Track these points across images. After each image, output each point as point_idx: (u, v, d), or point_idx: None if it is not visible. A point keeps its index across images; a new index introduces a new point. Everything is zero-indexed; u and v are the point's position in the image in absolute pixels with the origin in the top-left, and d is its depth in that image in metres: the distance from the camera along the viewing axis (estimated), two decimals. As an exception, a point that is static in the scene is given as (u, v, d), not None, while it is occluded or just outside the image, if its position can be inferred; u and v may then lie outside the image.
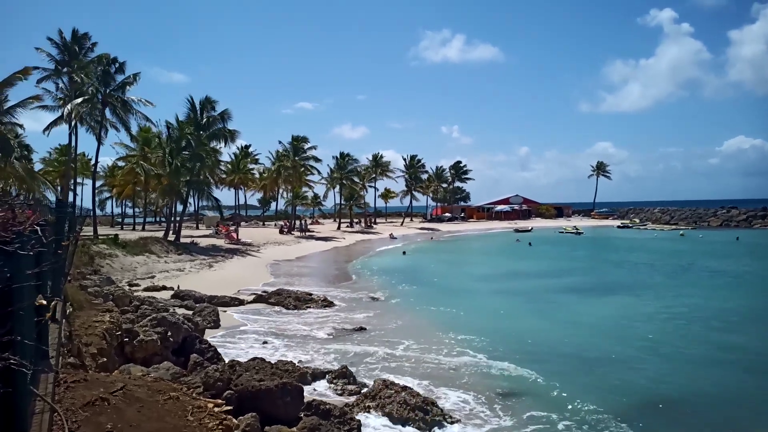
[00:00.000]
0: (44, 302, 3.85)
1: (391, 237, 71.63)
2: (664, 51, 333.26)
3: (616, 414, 11.15)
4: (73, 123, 39.60)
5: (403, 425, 10.06)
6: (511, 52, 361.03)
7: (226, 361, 11.88)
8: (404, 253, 48.96)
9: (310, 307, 22.51)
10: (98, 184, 61.99)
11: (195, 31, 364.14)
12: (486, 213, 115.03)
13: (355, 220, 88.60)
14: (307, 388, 11.46)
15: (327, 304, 23.18)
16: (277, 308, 22.37)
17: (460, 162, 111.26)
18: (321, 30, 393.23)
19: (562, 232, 75.76)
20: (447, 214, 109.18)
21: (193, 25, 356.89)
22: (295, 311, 21.91)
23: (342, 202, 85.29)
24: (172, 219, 51.11)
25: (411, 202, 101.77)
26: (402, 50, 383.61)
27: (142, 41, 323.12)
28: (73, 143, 42.49)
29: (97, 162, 48.68)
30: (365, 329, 18.57)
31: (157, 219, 79.35)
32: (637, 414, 11.23)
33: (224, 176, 65.02)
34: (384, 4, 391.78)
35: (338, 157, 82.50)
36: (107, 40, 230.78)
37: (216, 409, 6.36)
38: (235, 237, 51.72)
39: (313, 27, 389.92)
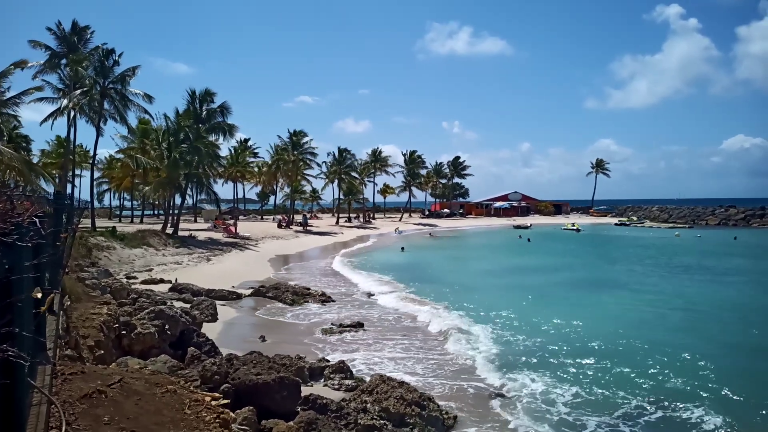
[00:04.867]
0: (38, 296, 3.83)
1: (397, 231, 71.67)
2: (671, 47, 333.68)
3: (620, 410, 11.23)
4: (71, 115, 39.47)
5: (400, 420, 10.08)
6: (518, 45, 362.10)
7: (224, 355, 11.88)
8: (402, 249, 48.73)
9: (308, 302, 22.53)
10: (96, 175, 61.89)
11: (199, 22, 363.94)
12: (484, 209, 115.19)
13: (353, 215, 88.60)
14: (303, 383, 11.48)
15: (325, 299, 23.20)
16: (274, 302, 22.38)
17: (459, 158, 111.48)
18: (324, 24, 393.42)
19: (566, 229, 75.73)
20: (445, 210, 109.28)
21: (198, 16, 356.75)
22: (293, 306, 21.93)
23: (341, 197, 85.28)
24: (171, 212, 51.04)
25: (410, 197, 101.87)
26: (408, 43, 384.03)
27: (147, 32, 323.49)
28: (71, 135, 42.37)
29: (95, 154, 48.63)
30: (363, 324, 18.59)
31: (156, 212, 79.26)
32: (638, 409, 11.28)
33: (222, 169, 64.90)
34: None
35: (337, 151, 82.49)
36: (111, 30, 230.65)
37: (213, 403, 6.36)
38: (234, 231, 51.71)
39: (316, 20, 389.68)
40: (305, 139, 71.62)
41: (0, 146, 23.84)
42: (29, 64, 36.93)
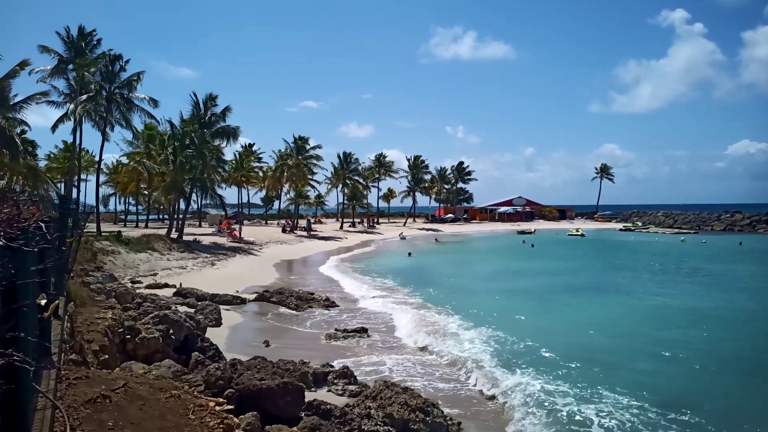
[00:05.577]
0: (42, 303, 3.84)
1: (401, 237, 71.62)
2: (676, 52, 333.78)
3: (626, 414, 11.15)
4: (77, 119, 39.73)
5: (404, 426, 10.03)
6: (522, 50, 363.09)
7: (228, 360, 11.88)
8: (410, 254, 48.73)
9: (312, 307, 22.50)
10: (102, 180, 62.22)
11: (203, 27, 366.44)
12: (489, 214, 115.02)
13: (357, 220, 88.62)
14: (307, 388, 11.45)
15: (329, 304, 23.17)
16: (278, 307, 22.37)
17: (462, 163, 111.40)
18: (329, 28, 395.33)
19: (571, 235, 75.36)
20: (450, 215, 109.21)
21: (202, 21, 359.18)
22: (297, 311, 21.91)
23: (345, 201, 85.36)
24: (175, 216, 51.21)
25: (414, 202, 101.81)
26: (412, 47, 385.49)
27: (151, 37, 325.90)
28: (77, 140, 42.62)
29: (101, 159, 48.85)
30: (366, 330, 18.54)
31: (160, 216, 79.56)
32: (636, 414, 11.21)
33: (225, 174, 65.15)
34: (395, 1, 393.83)
35: (341, 156, 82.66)
36: (116, 35, 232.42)
37: (217, 408, 6.36)
38: (238, 235, 51.81)
39: (320, 25, 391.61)
40: (310, 144, 71.99)
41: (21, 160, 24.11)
42: (36, 69, 37.35)
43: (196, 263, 35.16)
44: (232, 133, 49.27)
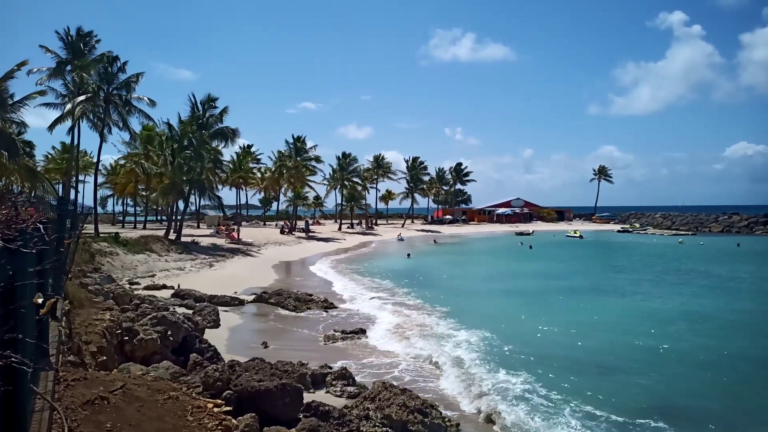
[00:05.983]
0: (39, 301, 3.83)
1: (399, 238, 71.60)
2: (674, 54, 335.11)
3: (616, 418, 11.16)
4: (75, 120, 39.66)
5: (403, 428, 10.03)
6: (521, 52, 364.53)
7: (226, 361, 11.86)
8: (408, 255, 48.76)
9: (310, 308, 22.48)
10: (100, 181, 62.06)
11: (203, 28, 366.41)
12: (487, 216, 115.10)
13: (356, 221, 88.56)
14: (306, 390, 11.43)
15: (327, 305, 23.15)
16: (277, 309, 22.35)
17: (461, 164, 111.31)
18: (328, 29, 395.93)
19: (569, 236, 75.28)
20: (448, 217, 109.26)
21: (202, 22, 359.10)
22: (296, 312, 21.89)
23: (343, 203, 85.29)
24: (173, 218, 51.14)
25: (412, 204, 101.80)
26: (412, 49, 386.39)
27: (150, 38, 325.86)
28: (75, 141, 42.54)
29: (99, 160, 48.77)
30: (365, 331, 18.54)
31: (158, 218, 79.46)
32: (633, 417, 11.22)
33: (224, 175, 65.06)
34: (395, 2, 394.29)
35: (340, 157, 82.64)
36: (115, 36, 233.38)
37: (215, 410, 6.36)
38: (236, 236, 51.75)
39: (320, 25, 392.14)
40: (309, 145, 72.00)
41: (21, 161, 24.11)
42: (34, 70, 37.32)
43: (195, 264, 35.13)
44: (230, 135, 49.26)
